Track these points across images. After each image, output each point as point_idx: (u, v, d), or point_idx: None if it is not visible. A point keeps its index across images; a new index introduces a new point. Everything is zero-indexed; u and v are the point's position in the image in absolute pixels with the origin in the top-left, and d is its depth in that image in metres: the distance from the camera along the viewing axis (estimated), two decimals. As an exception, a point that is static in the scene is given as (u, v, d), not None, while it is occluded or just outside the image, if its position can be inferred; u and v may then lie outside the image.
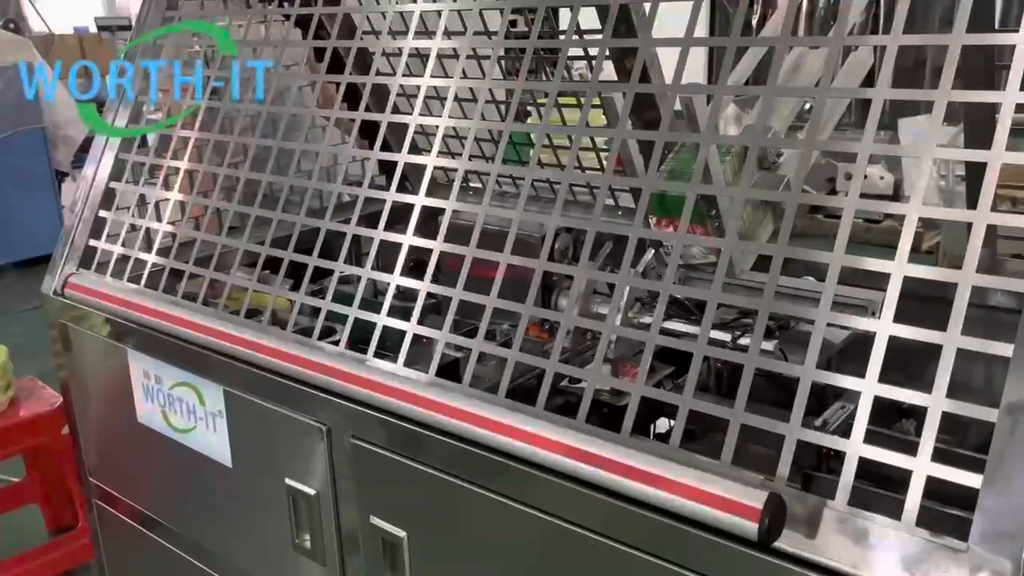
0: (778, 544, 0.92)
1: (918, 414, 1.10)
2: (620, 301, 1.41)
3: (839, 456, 0.94)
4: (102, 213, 1.89)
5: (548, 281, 1.74)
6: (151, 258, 1.73)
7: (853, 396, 0.94)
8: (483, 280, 1.24)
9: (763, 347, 1.29)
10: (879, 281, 0.97)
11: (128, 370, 1.79)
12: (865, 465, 0.92)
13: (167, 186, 1.78)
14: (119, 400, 1.85)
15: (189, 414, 1.68)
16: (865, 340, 0.96)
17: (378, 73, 1.55)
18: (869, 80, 1.56)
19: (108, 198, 1.91)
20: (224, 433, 1.62)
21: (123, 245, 1.81)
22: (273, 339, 1.46)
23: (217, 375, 1.59)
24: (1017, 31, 0.90)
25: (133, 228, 1.83)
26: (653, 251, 1.58)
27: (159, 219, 1.79)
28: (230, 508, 1.71)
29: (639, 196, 1.15)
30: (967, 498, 0.88)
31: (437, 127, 1.40)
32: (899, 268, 0.92)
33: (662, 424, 1.64)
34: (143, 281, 1.74)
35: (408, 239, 1.36)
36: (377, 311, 1.35)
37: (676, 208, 1.45)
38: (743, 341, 1.46)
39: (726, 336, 1.48)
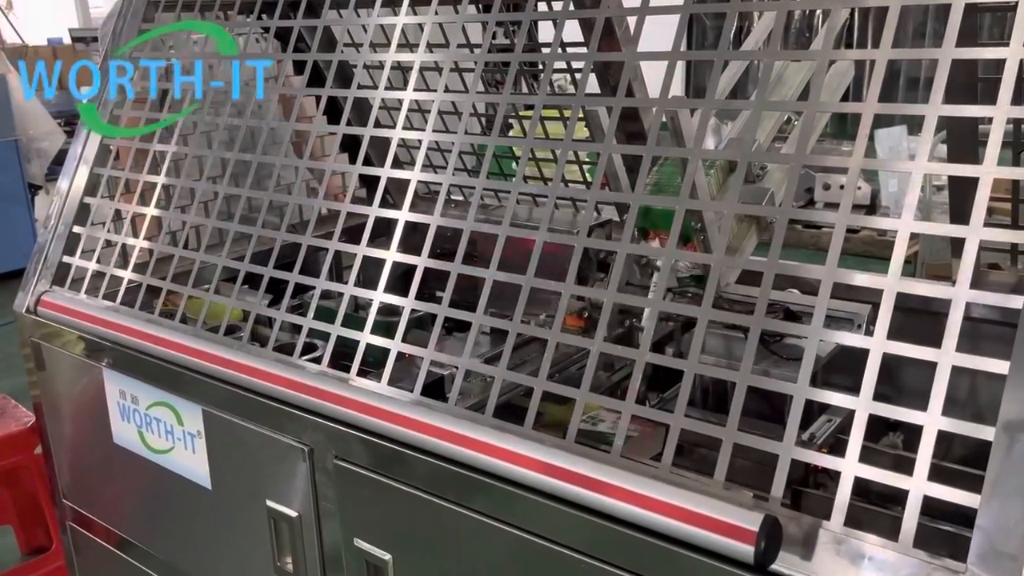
0: (774, 567, 0.91)
1: (905, 426, 1.09)
2: (606, 318, 1.39)
3: (827, 470, 0.92)
4: (76, 229, 1.85)
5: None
6: (127, 275, 1.70)
7: (839, 408, 0.93)
8: (469, 287, 1.22)
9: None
10: (861, 292, 0.97)
11: (103, 389, 1.75)
12: (856, 480, 0.91)
13: (144, 201, 1.74)
14: (94, 420, 1.80)
15: (167, 434, 1.65)
16: (851, 352, 0.95)
17: (359, 87, 1.53)
18: (845, 92, 1.57)
19: (83, 213, 1.87)
20: (203, 454, 1.59)
21: (98, 261, 1.77)
22: (253, 357, 1.43)
23: (195, 394, 1.55)
24: (1007, 45, 0.90)
25: (108, 244, 1.79)
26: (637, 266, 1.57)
27: (135, 235, 1.75)
28: (209, 531, 1.67)
29: (624, 209, 1.14)
30: (961, 513, 0.87)
31: (420, 141, 1.38)
32: (893, 284, 0.91)
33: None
34: (119, 298, 1.70)
35: (392, 255, 1.34)
36: (360, 327, 1.33)
37: (661, 220, 1.44)
38: (731, 356, 1.45)
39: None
